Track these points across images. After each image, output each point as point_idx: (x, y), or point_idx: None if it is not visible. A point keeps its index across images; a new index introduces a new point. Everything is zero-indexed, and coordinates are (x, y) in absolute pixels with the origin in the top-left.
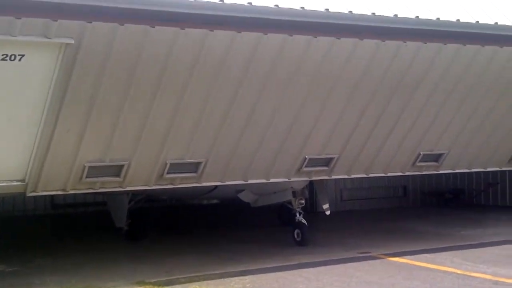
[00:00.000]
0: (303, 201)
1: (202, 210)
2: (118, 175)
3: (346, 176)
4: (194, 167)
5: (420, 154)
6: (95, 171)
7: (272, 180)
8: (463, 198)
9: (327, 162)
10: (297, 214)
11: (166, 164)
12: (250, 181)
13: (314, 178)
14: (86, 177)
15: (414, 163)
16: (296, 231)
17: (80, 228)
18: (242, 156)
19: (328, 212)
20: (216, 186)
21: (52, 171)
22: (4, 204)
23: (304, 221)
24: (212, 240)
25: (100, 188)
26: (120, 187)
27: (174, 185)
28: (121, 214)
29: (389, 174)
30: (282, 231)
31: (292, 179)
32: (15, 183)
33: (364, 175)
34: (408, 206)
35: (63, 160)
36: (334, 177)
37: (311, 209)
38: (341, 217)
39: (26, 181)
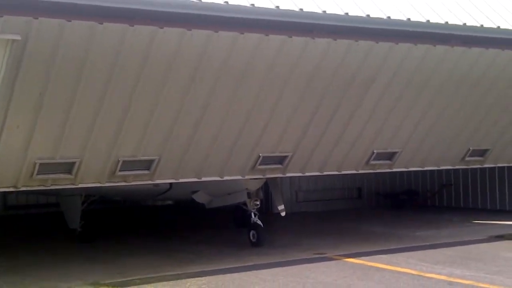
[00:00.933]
0: (258, 202)
1: (157, 211)
2: (69, 172)
3: (300, 174)
4: (147, 164)
5: (374, 152)
6: (46, 168)
7: (226, 178)
8: (417, 200)
9: (281, 160)
10: (252, 215)
11: (119, 161)
12: (204, 179)
13: (268, 176)
14: (37, 174)
15: (368, 162)
16: (251, 232)
17: (34, 230)
18: (196, 154)
19: (283, 214)
20: (170, 187)
21: (3, 168)
22: None
23: (259, 222)
24: (167, 241)
25: (51, 185)
26: (72, 184)
27: (127, 182)
28: (74, 216)
29: (343, 172)
30: (237, 232)
31: (246, 177)
32: None
33: (318, 173)
34: (363, 207)
35: (14, 157)
36: (288, 175)
37: (266, 210)
38: (296, 219)
39: None
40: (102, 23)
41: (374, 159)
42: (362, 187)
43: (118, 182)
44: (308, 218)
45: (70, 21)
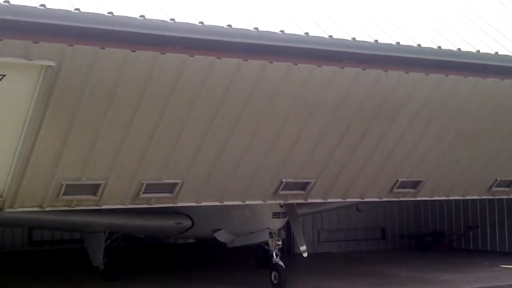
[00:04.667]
0: (280, 242)
1: (179, 249)
2: (94, 193)
3: (322, 200)
4: (170, 187)
5: (398, 180)
6: (72, 189)
7: (247, 202)
8: (443, 242)
9: (303, 186)
10: (274, 256)
11: (143, 184)
12: (226, 203)
13: (290, 201)
14: (63, 194)
15: (391, 189)
16: (273, 273)
17: (58, 266)
18: (219, 178)
19: (305, 254)
20: (192, 225)
21: (30, 188)
22: None
23: (281, 262)
24: (189, 280)
25: (76, 205)
26: (96, 205)
27: (149, 205)
28: (97, 253)
29: (366, 200)
30: (259, 273)
31: (268, 202)
32: None
33: (341, 200)
34: (386, 248)
35: (41, 177)
36: (310, 200)
37: (288, 251)
38: (318, 259)
39: (4, 197)
40: (134, 51)
41: (398, 187)
42: (386, 227)
43: (141, 204)
44: (330, 259)
45: (104, 48)
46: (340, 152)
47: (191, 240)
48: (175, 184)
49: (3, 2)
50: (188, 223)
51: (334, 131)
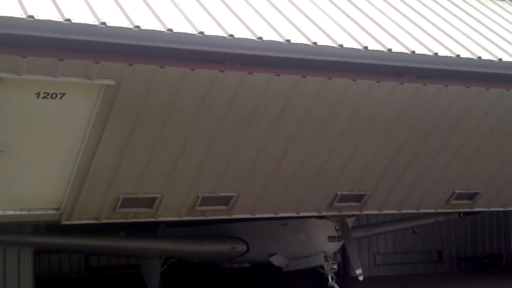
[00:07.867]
0: (335, 266)
1: (234, 273)
2: (151, 206)
3: (377, 212)
4: (225, 200)
5: (454, 192)
6: (128, 202)
7: (302, 214)
8: (501, 264)
9: (359, 198)
10: (329, 279)
11: (198, 197)
12: (280, 215)
13: (345, 213)
14: (120, 207)
15: (448, 201)
16: None
17: None
18: (274, 191)
19: (361, 278)
20: (247, 250)
21: (87, 201)
22: (41, 267)
23: (336, 286)
24: None
25: (132, 218)
26: (152, 217)
27: (205, 217)
28: (153, 278)
29: (421, 211)
30: None
31: (323, 213)
32: (50, 211)
33: (396, 211)
34: (443, 271)
35: (99, 191)
36: (365, 212)
37: (344, 274)
38: (374, 283)
39: (61, 209)
40: (193, 69)
41: (455, 199)
42: (443, 250)
43: (196, 216)
44: (386, 283)
45: (163, 67)
46: (397, 165)
47: (246, 265)
48: (230, 197)
49: (64, 21)
50: (243, 247)
51: (391, 144)
